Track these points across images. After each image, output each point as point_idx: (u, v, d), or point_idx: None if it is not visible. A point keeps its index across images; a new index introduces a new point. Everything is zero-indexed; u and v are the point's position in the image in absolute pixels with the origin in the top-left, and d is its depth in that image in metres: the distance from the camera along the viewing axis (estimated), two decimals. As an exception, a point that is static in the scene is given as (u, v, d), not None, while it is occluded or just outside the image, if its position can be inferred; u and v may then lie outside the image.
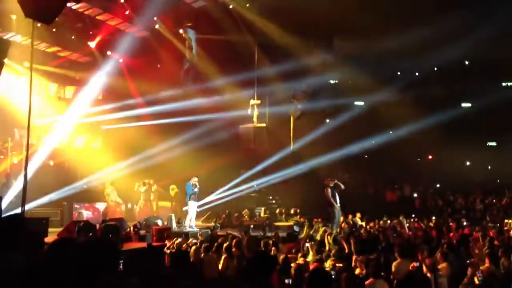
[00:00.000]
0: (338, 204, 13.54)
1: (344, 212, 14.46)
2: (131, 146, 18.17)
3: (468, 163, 24.58)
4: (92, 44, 17.18)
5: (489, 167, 23.50)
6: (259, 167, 20.00)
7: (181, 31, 17.95)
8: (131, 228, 10.89)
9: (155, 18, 17.31)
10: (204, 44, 18.40)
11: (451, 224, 13.75)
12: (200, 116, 18.63)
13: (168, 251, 8.98)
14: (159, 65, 19.56)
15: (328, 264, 7.45)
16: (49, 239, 6.51)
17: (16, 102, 15.23)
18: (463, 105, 24.45)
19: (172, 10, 17.18)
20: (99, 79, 17.84)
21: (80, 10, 15.74)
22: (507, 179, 21.52)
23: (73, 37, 16.95)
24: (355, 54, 18.54)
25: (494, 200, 19.64)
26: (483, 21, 16.83)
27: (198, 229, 13.85)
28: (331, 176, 14.87)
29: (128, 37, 17.74)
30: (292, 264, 7.20)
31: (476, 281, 6.22)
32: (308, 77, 18.94)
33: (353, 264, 7.76)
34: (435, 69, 22.57)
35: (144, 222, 13.46)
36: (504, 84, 24.52)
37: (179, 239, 10.16)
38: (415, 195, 22.57)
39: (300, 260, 7.67)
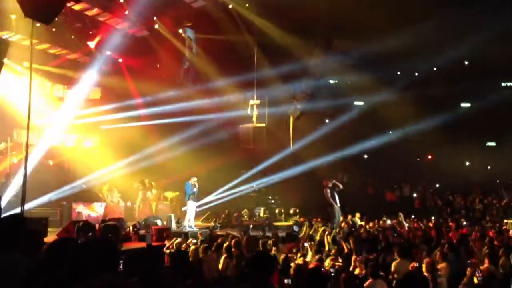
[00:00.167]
0: (338, 204, 13.55)
1: (344, 212, 14.47)
2: (130, 146, 18.17)
3: (467, 163, 24.60)
4: (92, 44, 17.15)
5: (489, 167, 23.53)
6: (258, 168, 20.01)
7: (180, 31, 17.96)
8: (131, 228, 10.90)
9: (154, 18, 17.32)
10: (203, 44, 18.39)
11: (450, 224, 13.75)
12: (199, 116, 18.64)
13: (168, 251, 8.98)
14: (158, 65, 19.55)
15: (327, 263, 7.47)
16: (48, 239, 6.51)
17: (16, 102, 15.24)
18: (463, 105, 24.48)
19: (171, 10, 17.18)
20: (97, 78, 17.87)
21: (80, 10, 15.73)
22: (507, 179, 21.57)
23: (72, 37, 16.93)
24: (354, 54, 18.54)
25: (494, 201, 19.64)
26: (483, 21, 16.84)
27: (198, 229, 13.84)
28: (330, 177, 14.89)
29: (128, 37, 17.74)
30: (292, 264, 7.21)
31: (476, 281, 6.23)
32: (307, 77, 18.93)
33: (352, 264, 7.77)
34: (435, 69, 22.58)
35: (143, 222, 13.48)
36: (503, 84, 24.55)
37: (179, 239, 10.16)
38: (415, 195, 22.59)
39: (300, 260, 7.68)
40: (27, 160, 8.54)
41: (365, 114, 22.23)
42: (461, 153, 22.40)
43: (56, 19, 9.63)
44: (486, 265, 7.01)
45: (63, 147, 18.43)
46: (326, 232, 10.85)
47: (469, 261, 7.20)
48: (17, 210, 9.23)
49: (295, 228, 14.59)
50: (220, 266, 8.01)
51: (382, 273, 6.77)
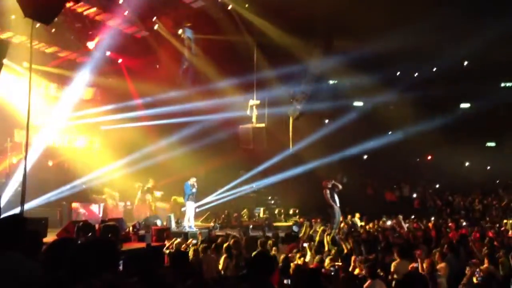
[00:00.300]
0: (338, 205, 13.56)
1: (344, 213, 14.47)
2: (130, 146, 18.17)
3: (467, 164, 24.61)
4: (91, 44, 17.14)
5: (488, 168, 23.52)
6: (258, 168, 20.02)
7: (180, 31, 17.95)
8: (131, 228, 10.90)
9: (154, 19, 17.30)
10: (203, 44, 18.38)
11: (450, 224, 13.76)
12: (199, 117, 18.64)
13: (167, 251, 8.98)
14: (158, 66, 19.55)
15: (327, 263, 7.48)
16: (48, 239, 6.51)
17: (16, 103, 15.23)
18: (462, 105, 24.50)
19: (171, 10, 17.17)
20: (97, 78, 17.87)
21: (79, 10, 15.72)
22: (506, 179, 21.57)
23: (72, 37, 16.92)
24: (354, 55, 18.53)
25: (494, 201, 19.64)
26: (483, 21, 16.84)
27: (197, 229, 13.85)
28: (329, 177, 14.88)
29: (127, 37, 17.73)
30: (291, 264, 7.22)
31: (475, 281, 6.23)
32: (307, 78, 18.91)
33: (352, 264, 7.77)
34: (435, 69, 22.58)
35: (143, 222, 13.48)
36: (503, 84, 24.56)
37: (178, 239, 10.16)
38: (414, 195, 22.59)
39: (299, 260, 7.69)
40: (27, 160, 8.52)
41: (365, 115, 22.24)
42: (461, 153, 22.40)
43: (55, 19, 9.61)
44: (485, 265, 7.02)
45: (62, 147, 18.42)
46: (326, 233, 10.86)
47: (470, 261, 7.18)
48: (17, 210, 9.22)
49: (295, 228, 14.61)
50: (220, 266, 8.01)
51: (382, 274, 6.77)
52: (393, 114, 21.47)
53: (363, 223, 14.43)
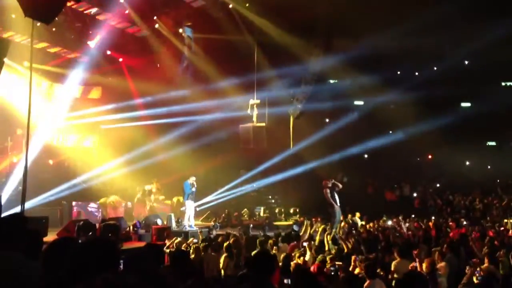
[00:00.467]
0: (338, 204, 13.56)
1: (344, 212, 14.46)
2: (130, 145, 18.19)
3: (467, 163, 24.59)
4: (92, 44, 17.16)
5: (489, 167, 23.52)
6: (259, 168, 20.01)
7: (180, 30, 17.96)
8: (131, 227, 10.92)
9: (154, 18, 17.31)
10: (204, 44, 18.39)
11: (450, 223, 13.75)
12: (199, 116, 18.64)
13: (168, 250, 8.98)
14: (158, 65, 19.55)
15: (327, 263, 7.46)
16: (48, 238, 6.51)
17: (16, 102, 15.24)
18: (463, 105, 24.47)
19: (171, 9, 17.18)
20: (97, 77, 17.89)
21: (80, 9, 15.73)
22: (507, 179, 21.55)
23: (72, 37, 16.93)
24: (355, 55, 18.53)
25: (494, 201, 19.61)
26: (484, 21, 16.84)
27: (198, 228, 13.85)
28: (330, 177, 14.88)
29: (128, 36, 17.73)
30: (292, 264, 7.22)
31: (475, 281, 6.22)
32: (308, 77, 18.91)
33: (352, 264, 7.77)
34: (435, 69, 22.57)
35: (143, 222, 13.50)
36: (504, 84, 24.54)
37: (179, 239, 10.17)
38: (415, 194, 22.55)
39: (299, 260, 7.68)
40: (27, 159, 8.52)
41: (365, 114, 22.22)
42: (461, 153, 22.37)
43: (56, 18, 9.61)
44: (486, 264, 7.02)
45: (63, 146, 18.43)
46: (326, 232, 10.86)
47: (471, 261, 7.18)
48: (17, 209, 9.23)
49: (295, 227, 14.61)
50: (221, 265, 8.02)
51: (382, 273, 6.77)
52: (393, 113, 21.45)
53: (363, 223, 14.42)
